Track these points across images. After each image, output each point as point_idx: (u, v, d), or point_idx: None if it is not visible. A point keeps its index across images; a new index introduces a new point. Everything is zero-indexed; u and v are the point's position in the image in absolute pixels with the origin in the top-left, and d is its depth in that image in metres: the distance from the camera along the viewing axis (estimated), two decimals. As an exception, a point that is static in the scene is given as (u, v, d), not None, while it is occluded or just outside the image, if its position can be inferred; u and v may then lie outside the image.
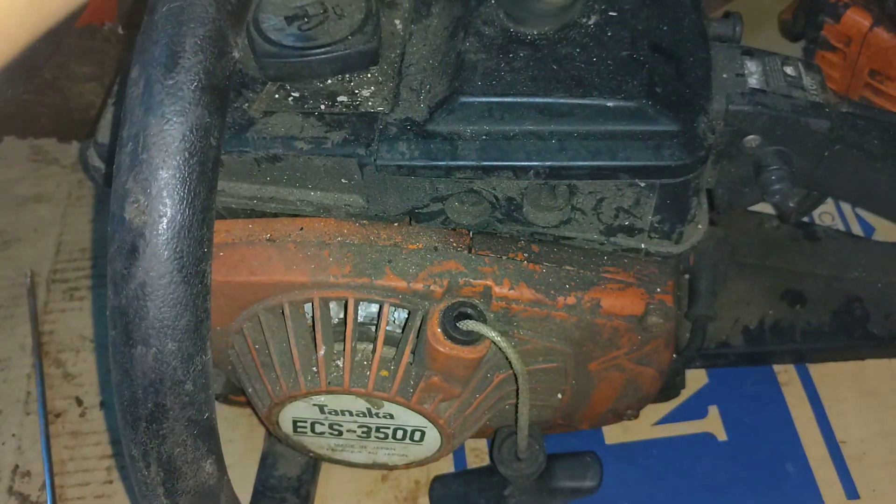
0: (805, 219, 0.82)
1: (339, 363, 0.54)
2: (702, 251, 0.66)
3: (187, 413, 0.39)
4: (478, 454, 0.75)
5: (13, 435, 0.78)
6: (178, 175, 0.36)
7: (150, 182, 0.35)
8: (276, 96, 0.51)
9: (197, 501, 0.42)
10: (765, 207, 0.76)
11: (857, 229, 0.85)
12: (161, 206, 0.35)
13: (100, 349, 0.83)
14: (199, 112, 0.36)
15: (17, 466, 0.76)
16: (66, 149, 0.97)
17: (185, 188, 0.36)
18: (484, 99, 0.48)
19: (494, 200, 0.51)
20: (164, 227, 0.36)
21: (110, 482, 0.75)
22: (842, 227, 0.85)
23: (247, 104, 0.51)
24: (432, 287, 0.52)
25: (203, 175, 0.36)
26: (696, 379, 0.77)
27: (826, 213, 0.86)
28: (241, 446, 0.75)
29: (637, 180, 0.49)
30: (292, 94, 0.51)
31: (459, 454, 0.75)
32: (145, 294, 0.36)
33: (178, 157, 0.36)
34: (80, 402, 0.80)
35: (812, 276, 0.74)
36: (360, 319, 0.54)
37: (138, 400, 0.38)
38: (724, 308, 0.72)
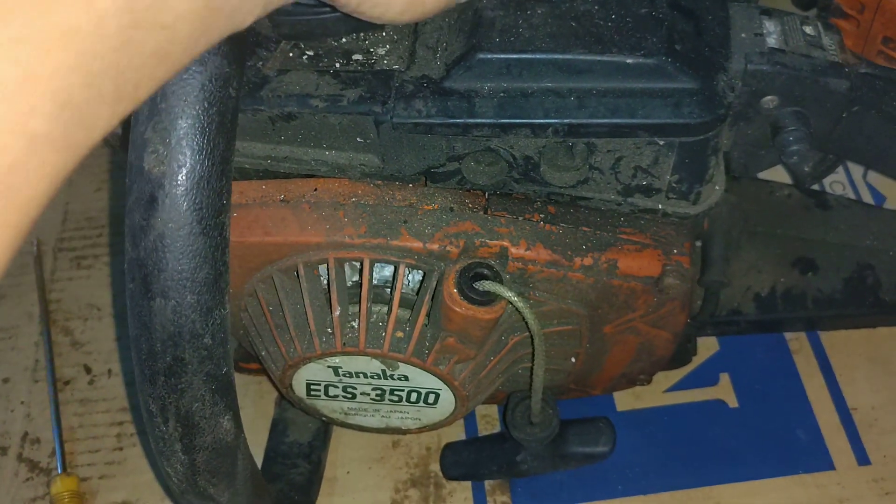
0: (816, 187, 0.82)
1: (355, 324, 0.53)
2: (714, 217, 0.65)
3: (206, 367, 0.39)
4: (489, 421, 0.74)
5: (22, 402, 0.78)
6: (197, 125, 0.35)
7: (168, 131, 0.35)
8: (291, 55, 0.51)
9: (214, 458, 0.42)
10: (776, 175, 0.76)
11: (868, 198, 0.85)
12: (180, 155, 0.35)
13: (109, 318, 0.83)
14: (217, 61, 0.35)
15: (26, 433, 0.76)
16: (71, 118, 0.96)
17: (204, 138, 0.35)
18: (502, 56, 0.47)
19: (511, 160, 0.50)
20: (184, 177, 0.35)
21: (120, 449, 0.75)
22: (853, 196, 0.85)
23: (261, 63, 0.50)
24: (448, 248, 0.51)
25: (222, 125, 0.36)
26: (707, 346, 0.77)
27: (837, 182, 0.86)
28: (251, 413, 0.75)
29: (656, 138, 0.48)
30: (307, 52, 0.51)
31: (471, 422, 0.75)
32: (164, 246, 0.36)
33: (197, 107, 0.35)
34: (88, 369, 0.80)
35: (823, 244, 0.74)
36: (374, 282, 0.54)
37: (157, 353, 0.38)
38: (736, 276, 0.72)
